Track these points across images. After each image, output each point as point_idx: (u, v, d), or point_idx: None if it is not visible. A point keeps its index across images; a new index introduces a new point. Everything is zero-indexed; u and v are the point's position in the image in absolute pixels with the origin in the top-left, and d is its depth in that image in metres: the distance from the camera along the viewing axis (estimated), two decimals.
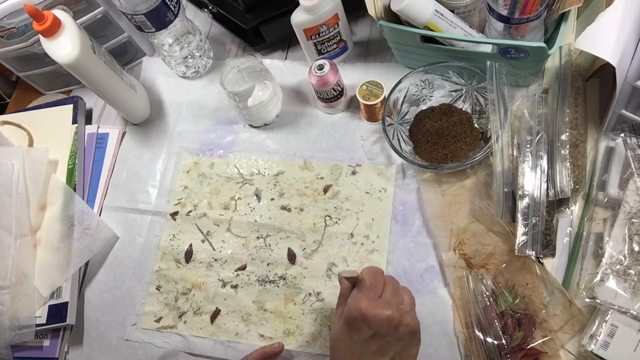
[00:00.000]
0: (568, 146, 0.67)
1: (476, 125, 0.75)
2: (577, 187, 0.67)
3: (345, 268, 0.73)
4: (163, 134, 0.88)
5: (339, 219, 0.76)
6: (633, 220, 0.63)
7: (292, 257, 0.75)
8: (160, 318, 0.76)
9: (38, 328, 0.75)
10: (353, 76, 0.83)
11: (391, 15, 0.74)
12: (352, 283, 0.58)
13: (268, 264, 0.76)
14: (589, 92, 0.73)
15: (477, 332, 0.64)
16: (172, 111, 0.90)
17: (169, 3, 0.78)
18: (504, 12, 0.66)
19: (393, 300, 0.56)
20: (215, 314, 0.74)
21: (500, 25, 0.68)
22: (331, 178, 0.79)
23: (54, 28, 0.70)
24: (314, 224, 0.76)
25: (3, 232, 0.76)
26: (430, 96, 0.78)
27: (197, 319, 0.75)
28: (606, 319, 0.60)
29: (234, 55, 0.93)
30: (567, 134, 0.67)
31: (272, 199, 0.79)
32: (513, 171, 0.69)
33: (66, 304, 0.76)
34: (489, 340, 0.63)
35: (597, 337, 0.60)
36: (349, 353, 0.55)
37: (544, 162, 0.68)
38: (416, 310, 0.68)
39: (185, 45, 0.86)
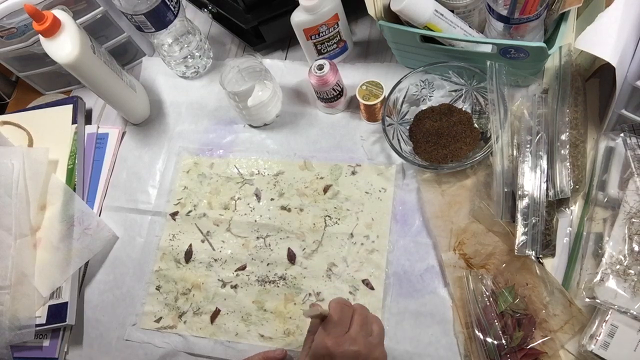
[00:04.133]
0: (568, 146, 0.67)
1: (476, 125, 0.75)
2: (577, 187, 0.67)
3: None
4: (163, 134, 0.88)
5: (339, 219, 0.76)
6: (633, 220, 0.63)
7: (292, 257, 0.75)
8: (160, 318, 0.76)
9: (38, 328, 0.75)
10: (353, 76, 0.83)
11: (391, 15, 0.74)
12: (320, 318, 0.57)
13: (268, 264, 0.76)
14: (589, 92, 0.73)
15: (477, 332, 0.64)
16: (172, 111, 0.90)
17: (169, 3, 0.78)
18: (504, 12, 0.66)
19: (361, 335, 0.55)
20: (215, 314, 0.74)
21: (500, 25, 0.68)
22: (331, 178, 0.79)
23: (54, 28, 0.70)
24: (314, 224, 0.76)
25: (3, 232, 0.76)
26: (430, 96, 0.78)
27: (197, 319, 0.75)
28: (606, 319, 0.60)
29: (234, 55, 0.93)
30: (567, 134, 0.67)
31: (272, 199, 0.79)
32: (513, 171, 0.69)
33: (66, 304, 0.76)
34: (489, 340, 0.63)
35: (597, 337, 0.60)
36: None
37: (544, 162, 0.68)
38: (416, 311, 0.69)
39: (185, 45, 0.86)
